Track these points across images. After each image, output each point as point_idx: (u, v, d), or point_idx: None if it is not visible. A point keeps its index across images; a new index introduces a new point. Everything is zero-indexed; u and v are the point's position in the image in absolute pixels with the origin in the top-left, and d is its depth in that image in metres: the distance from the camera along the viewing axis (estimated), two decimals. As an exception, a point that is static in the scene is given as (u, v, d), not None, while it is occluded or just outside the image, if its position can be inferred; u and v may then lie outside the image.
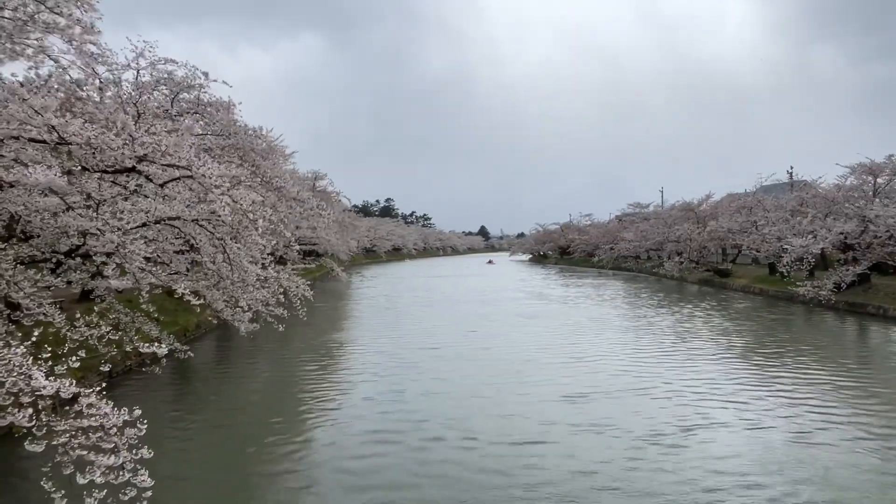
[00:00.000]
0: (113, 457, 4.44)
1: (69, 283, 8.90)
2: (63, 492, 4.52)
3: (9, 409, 4.34)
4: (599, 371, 11.95)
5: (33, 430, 4.35)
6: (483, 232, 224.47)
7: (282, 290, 13.22)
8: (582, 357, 12.94)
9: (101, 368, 10.44)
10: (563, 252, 79.53)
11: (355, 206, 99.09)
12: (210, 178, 7.44)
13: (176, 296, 8.82)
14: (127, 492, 4.55)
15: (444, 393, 10.43)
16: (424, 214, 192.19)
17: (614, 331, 17.59)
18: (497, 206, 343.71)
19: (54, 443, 4.42)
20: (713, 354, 13.64)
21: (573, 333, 16.85)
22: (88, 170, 7.76)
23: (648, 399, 9.79)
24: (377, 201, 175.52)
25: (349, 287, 37.71)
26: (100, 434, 4.43)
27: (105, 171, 7.82)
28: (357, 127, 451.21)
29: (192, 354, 11.33)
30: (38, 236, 8.38)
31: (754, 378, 11.21)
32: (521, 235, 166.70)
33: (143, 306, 9.58)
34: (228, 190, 7.44)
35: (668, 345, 14.88)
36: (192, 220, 8.61)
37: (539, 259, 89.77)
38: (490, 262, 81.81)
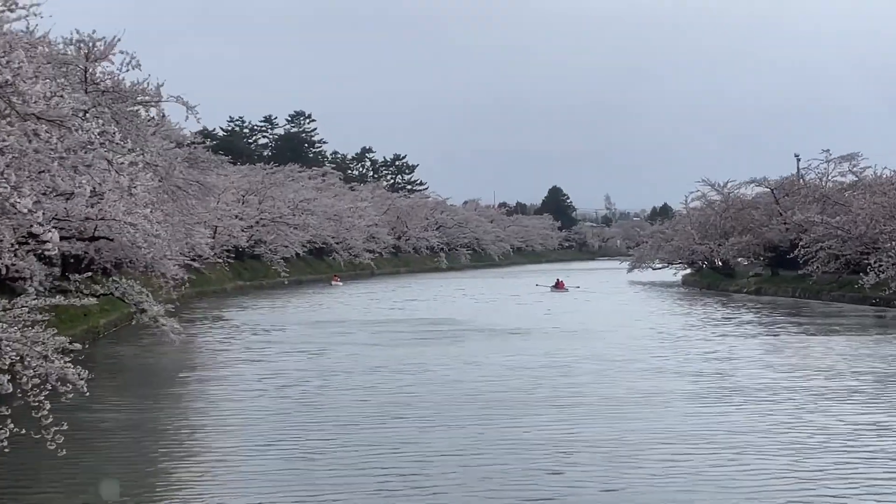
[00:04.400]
0: None
1: None
2: None
3: None
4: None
5: None
6: (556, 205, 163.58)
7: (6, 365, 12.87)
8: None
9: None
10: (774, 258, 57.32)
11: (208, 133, 72.63)
12: None
13: None
14: None
15: None
16: (397, 156, 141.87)
17: None
18: (592, 148, 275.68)
19: None
20: None
21: None
22: None
23: None
24: (270, 119, 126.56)
25: (187, 356, 28.84)
26: None
27: None
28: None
29: None
30: None
31: None
32: (661, 214, 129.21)
33: None
34: None
35: None
36: None
37: (710, 276, 64.88)
38: (559, 284, 60.50)
